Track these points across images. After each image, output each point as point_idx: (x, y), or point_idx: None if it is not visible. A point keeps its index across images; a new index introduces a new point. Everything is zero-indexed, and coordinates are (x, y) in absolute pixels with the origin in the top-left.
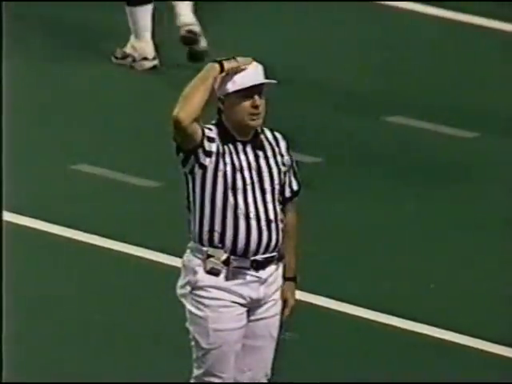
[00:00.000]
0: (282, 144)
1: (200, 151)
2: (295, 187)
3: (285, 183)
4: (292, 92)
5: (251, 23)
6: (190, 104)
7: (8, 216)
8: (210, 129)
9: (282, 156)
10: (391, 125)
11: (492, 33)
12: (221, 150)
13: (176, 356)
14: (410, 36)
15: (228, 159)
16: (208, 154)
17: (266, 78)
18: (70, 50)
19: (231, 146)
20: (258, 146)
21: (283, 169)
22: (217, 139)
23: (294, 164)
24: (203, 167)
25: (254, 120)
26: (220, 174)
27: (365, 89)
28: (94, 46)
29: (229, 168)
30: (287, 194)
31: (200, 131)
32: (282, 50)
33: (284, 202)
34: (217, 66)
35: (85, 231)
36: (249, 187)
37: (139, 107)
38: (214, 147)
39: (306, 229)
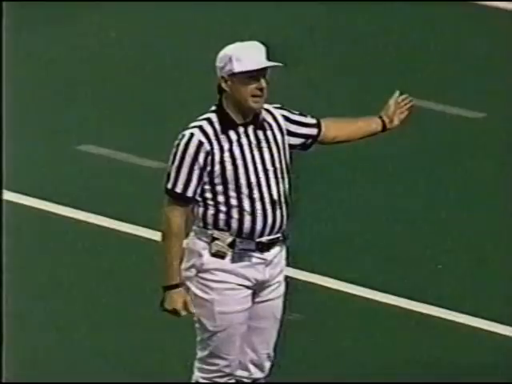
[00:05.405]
0: (279, 115)
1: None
2: (312, 121)
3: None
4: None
5: None
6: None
7: (12, 196)
8: (202, 130)
9: (281, 129)
10: None
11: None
12: (215, 146)
13: (181, 337)
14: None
15: (226, 146)
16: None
17: (269, 59)
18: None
19: (232, 132)
20: (258, 126)
21: (285, 143)
22: (211, 134)
23: (299, 114)
24: None
25: (256, 102)
26: (219, 165)
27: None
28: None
29: (227, 155)
30: (305, 131)
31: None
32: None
33: (308, 138)
34: None
35: (89, 212)
36: (251, 169)
37: (142, 88)
38: (204, 155)
39: (312, 211)
